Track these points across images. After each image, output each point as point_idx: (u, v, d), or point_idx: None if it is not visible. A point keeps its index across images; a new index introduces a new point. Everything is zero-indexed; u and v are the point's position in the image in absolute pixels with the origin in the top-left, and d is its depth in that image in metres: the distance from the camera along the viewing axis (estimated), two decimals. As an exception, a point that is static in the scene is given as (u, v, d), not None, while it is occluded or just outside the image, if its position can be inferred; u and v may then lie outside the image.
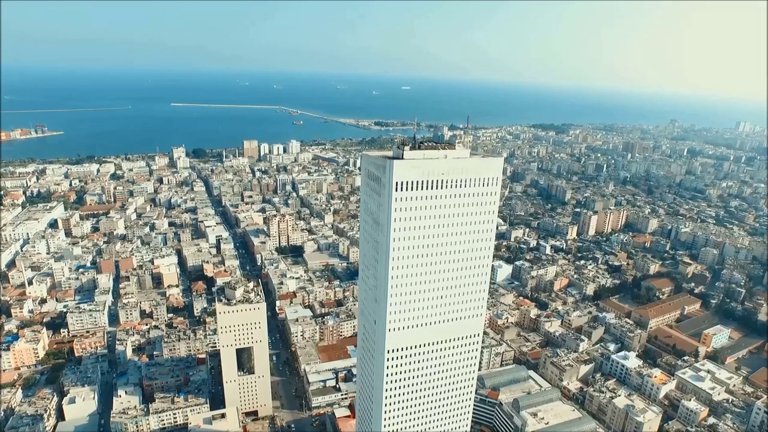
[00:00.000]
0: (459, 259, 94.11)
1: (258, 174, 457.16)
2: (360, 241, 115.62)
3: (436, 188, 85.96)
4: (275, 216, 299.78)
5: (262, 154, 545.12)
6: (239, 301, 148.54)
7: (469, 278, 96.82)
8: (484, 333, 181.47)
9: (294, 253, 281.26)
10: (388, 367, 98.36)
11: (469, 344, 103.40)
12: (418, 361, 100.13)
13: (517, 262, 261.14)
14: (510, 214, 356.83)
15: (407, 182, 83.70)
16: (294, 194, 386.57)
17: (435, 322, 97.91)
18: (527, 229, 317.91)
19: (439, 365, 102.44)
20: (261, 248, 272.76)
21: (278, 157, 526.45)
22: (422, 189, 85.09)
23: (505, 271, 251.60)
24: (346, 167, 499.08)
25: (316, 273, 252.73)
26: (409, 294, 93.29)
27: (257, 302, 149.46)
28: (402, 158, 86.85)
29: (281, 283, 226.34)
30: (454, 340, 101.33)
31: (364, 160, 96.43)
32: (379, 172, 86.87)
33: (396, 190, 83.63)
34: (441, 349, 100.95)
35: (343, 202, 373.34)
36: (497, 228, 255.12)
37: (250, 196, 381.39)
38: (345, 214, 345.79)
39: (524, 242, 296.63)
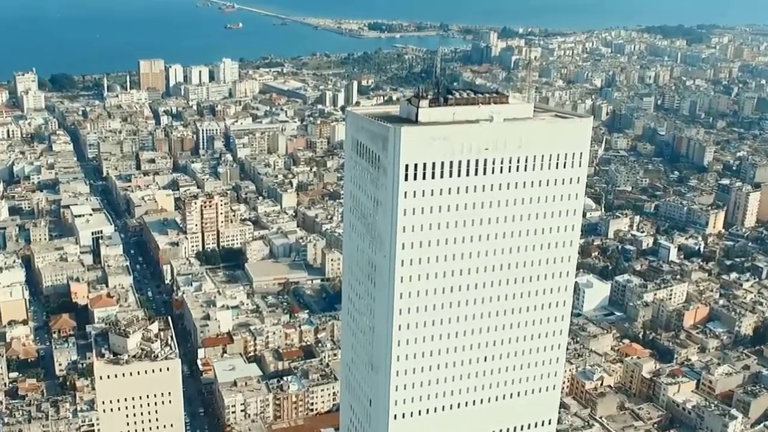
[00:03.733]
0: (514, 293, 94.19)
1: (166, 120, 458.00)
2: (344, 256, 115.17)
3: (475, 174, 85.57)
4: (196, 197, 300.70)
5: (172, 83, 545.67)
6: (134, 356, 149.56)
7: (533, 327, 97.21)
8: (562, 407, 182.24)
9: (229, 261, 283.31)
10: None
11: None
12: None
13: (618, 278, 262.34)
14: (606, 189, 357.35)
15: (425, 165, 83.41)
16: (228, 157, 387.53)
17: (473, 403, 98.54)
18: (637, 217, 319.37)
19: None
20: (171, 254, 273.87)
21: (200, 90, 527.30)
22: (450, 176, 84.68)
23: (597, 293, 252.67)
24: (319, 106, 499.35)
25: (268, 298, 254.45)
26: (429, 356, 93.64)
27: (166, 357, 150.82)
28: (416, 121, 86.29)
29: (206, 317, 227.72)
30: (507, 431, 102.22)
31: (351, 122, 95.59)
32: (377, 147, 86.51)
33: (406, 180, 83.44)
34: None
35: (314, 169, 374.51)
36: (584, 215, 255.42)
37: (152, 160, 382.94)
38: (318, 192, 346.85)
39: (631, 240, 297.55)
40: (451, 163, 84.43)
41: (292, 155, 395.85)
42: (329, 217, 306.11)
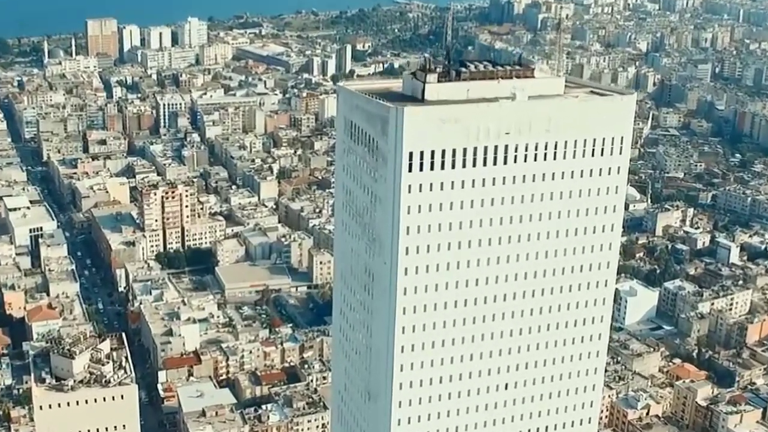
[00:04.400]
0: (541, 308, 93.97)
1: (119, 93, 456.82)
2: (335, 259, 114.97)
3: (494, 164, 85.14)
4: (156, 186, 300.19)
5: (126, 48, 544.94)
6: (81, 381, 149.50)
7: (563, 347, 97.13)
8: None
9: (196, 264, 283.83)
10: None
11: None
12: None
13: (668, 284, 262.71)
14: (653, 176, 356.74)
15: (433, 153, 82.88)
16: (195, 137, 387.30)
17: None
18: (690, 210, 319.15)
19: None
20: (126, 256, 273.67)
21: (161, 56, 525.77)
22: (464, 167, 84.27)
23: (642, 302, 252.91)
24: (305, 75, 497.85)
25: (244, 309, 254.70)
26: (438, 383, 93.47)
27: (120, 383, 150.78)
28: (422, 100, 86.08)
29: (169, 332, 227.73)
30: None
31: (344, 99, 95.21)
32: (375, 130, 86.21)
33: (410, 171, 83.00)
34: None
35: (298, 152, 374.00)
36: (626, 208, 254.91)
37: (103, 142, 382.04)
38: (303, 180, 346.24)
39: (683, 238, 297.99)
40: (465, 150, 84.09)
41: (272, 135, 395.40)
42: (317, 210, 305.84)
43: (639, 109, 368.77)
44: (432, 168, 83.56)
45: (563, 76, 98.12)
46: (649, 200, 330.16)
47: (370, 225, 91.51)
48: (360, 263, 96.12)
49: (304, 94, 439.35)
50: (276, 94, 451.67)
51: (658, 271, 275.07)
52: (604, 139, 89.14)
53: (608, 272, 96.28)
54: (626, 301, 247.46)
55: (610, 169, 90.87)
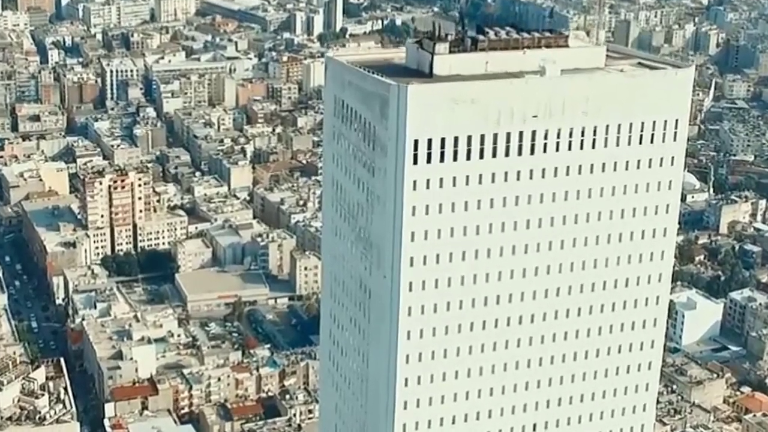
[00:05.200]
0: (577, 331, 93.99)
1: (56, 57, 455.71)
2: (323, 268, 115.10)
3: (518, 155, 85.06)
4: (101, 173, 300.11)
5: (65, 1, 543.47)
6: (10, 417, 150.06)
7: (604, 379, 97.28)
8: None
9: (152, 270, 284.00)
10: None
11: None
12: None
13: (734, 294, 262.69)
14: (716, 160, 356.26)
15: (443, 141, 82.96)
16: (150, 111, 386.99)
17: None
18: (762, 202, 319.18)
19: None
20: (65, 260, 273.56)
21: (108, 11, 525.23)
22: (482, 158, 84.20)
23: (703, 317, 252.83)
24: (286, 35, 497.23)
25: (211, 326, 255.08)
26: (451, 423, 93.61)
27: (57, 420, 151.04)
28: (430, 75, 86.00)
29: (118, 355, 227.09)
30: None
31: (333, 73, 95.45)
32: (372, 113, 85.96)
33: (415, 163, 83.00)
34: None
35: (277, 130, 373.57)
36: (683, 199, 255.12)
37: (36, 118, 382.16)
38: (284, 164, 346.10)
39: (753, 237, 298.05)
40: (482, 137, 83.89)
41: (245, 109, 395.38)
42: (301, 203, 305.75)
43: (699, 76, 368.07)
44: (442, 159, 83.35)
45: (604, 44, 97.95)
46: (711, 190, 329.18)
47: (365, 229, 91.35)
48: (353, 275, 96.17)
49: (285, 59, 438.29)
50: (250, 59, 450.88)
51: (722, 279, 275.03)
52: (654, 122, 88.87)
53: (660, 286, 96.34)
54: (683, 316, 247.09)
55: (662, 159, 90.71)
